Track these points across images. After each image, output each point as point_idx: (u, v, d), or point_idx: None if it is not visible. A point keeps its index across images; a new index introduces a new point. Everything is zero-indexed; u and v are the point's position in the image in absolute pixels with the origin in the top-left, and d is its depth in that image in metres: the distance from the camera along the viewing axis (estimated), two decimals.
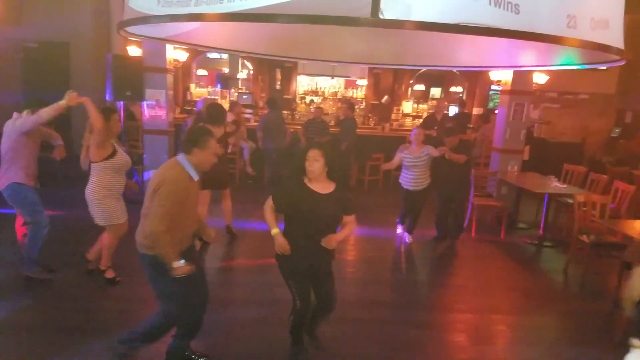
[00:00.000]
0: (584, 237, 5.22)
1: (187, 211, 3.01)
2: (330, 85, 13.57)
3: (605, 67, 10.48)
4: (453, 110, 11.59)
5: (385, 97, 12.50)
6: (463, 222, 6.56)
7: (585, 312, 4.68)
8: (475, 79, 12.76)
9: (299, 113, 11.98)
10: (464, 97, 12.79)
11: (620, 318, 4.42)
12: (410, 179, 5.92)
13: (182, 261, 2.85)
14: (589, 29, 2.06)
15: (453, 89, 13.78)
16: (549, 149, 10.40)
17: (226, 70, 14.57)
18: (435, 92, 14.41)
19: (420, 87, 13.75)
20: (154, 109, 7.42)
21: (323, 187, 3.21)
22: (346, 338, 3.73)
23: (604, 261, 5.42)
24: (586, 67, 2.62)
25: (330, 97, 13.23)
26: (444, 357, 3.82)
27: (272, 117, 8.54)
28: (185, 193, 2.92)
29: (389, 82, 12.75)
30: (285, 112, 11.71)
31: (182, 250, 3.01)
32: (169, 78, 7.49)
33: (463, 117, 10.56)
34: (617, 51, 2.32)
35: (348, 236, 3.48)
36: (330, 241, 3.13)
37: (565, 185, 6.64)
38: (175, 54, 9.28)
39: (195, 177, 2.99)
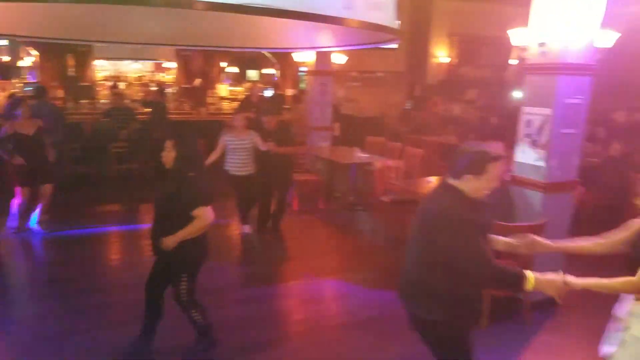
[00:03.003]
0: (385, 198, 5.92)
1: None
2: (135, 69, 12.64)
3: (396, 47, 11.84)
4: (269, 92, 11.85)
5: (198, 81, 12.17)
6: (284, 209, 6.45)
7: (396, 262, 5.31)
8: (286, 60, 13.21)
9: (101, 101, 10.88)
10: (278, 79, 13.17)
11: None
12: (236, 163, 5.66)
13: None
14: (365, 10, 2.26)
15: (266, 70, 14.07)
16: (356, 124, 11.38)
17: (6, 58, 12.46)
18: (253, 74, 14.53)
19: (234, 69, 13.71)
20: None
21: None
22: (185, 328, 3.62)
23: (403, 216, 6.23)
24: (367, 47, 2.89)
25: (136, 82, 12.33)
26: (280, 323, 4.13)
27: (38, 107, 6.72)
28: None
29: (199, 65, 12.41)
30: (85, 100, 10.54)
31: None
32: None
33: (278, 99, 10.88)
34: (392, 30, 2.61)
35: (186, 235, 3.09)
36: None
37: (367, 155, 7.42)
38: None
39: None
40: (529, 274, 2.19)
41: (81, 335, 3.69)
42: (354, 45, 3.02)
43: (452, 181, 2.33)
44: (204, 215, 3.07)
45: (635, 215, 2.37)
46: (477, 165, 2.24)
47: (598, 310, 3.91)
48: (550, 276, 2.22)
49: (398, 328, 3.06)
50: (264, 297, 4.50)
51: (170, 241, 3.04)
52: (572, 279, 2.22)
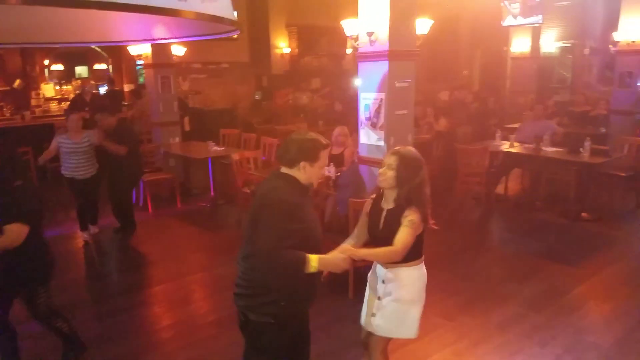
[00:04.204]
0: (246, 189, 5.93)
1: None
2: None
3: (236, 37, 11.75)
4: (104, 89, 10.91)
5: (18, 82, 10.66)
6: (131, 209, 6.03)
7: None
8: (119, 54, 12.23)
9: None
10: (112, 74, 12.17)
11: None
12: (74, 166, 5.32)
13: None
14: (199, 2, 2.21)
15: (97, 66, 12.91)
16: (207, 117, 11.09)
17: None
18: (82, 70, 13.19)
19: (59, 66, 12.30)
20: None
21: None
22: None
23: None
24: (204, 38, 2.83)
25: None
26: (147, 332, 3.91)
27: None
28: None
29: (17, 64, 10.86)
30: None
31: None
32: None
33: (114, 95, 10.09)
34: (230, 22, 2.60)
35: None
36: None
37: (222, 148, 7.32)
38: None
39: None
40: (312, 257, 2.18)
41: None
42: (191, 36, 2.93)
43: (285, 170, 2.31)
44: (16, 233, 2.69)
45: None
46: (311, 152, 2.27)
47: (446, 269, 4.54)
48: (333, 254, 2.31)
49: None
50: (126, 308, 4.22)
51: None
52: (353, 252, 2.35)
